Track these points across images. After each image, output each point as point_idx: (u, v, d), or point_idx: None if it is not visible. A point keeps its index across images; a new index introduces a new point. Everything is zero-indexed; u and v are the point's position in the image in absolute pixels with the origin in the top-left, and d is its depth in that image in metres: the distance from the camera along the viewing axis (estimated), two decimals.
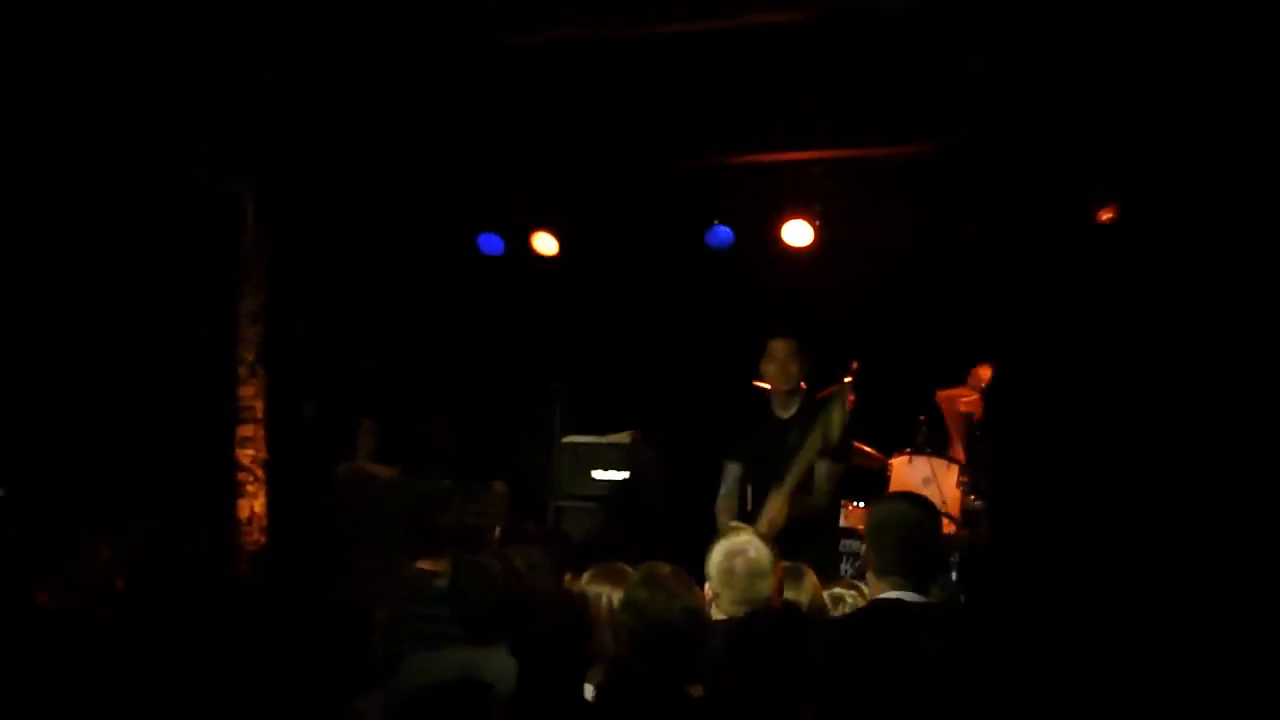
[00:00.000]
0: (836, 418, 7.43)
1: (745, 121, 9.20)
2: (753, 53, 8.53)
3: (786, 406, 7.79)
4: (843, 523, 8.99)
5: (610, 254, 10.49)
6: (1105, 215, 9.35)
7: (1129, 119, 8.68)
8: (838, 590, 6.11)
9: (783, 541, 5.91)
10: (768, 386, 7.82)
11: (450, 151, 9.78)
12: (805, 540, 7.14)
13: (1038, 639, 7.21)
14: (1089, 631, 7.77)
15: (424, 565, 6.10)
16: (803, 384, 7.79)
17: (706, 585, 5.01)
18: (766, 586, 5.04)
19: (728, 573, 5.01)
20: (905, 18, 8.05)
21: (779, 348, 7.69)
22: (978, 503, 9.14)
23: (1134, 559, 8.43)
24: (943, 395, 9.40)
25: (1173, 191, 9.10)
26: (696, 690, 4.32)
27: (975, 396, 9.32)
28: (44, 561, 5.64)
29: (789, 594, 5.38)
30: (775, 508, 7.28)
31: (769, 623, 4.82)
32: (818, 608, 5.52)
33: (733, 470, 7.85)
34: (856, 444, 8.73)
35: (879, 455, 9.18)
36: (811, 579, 5.60)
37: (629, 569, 5.01)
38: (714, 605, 4.95)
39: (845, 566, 8.58)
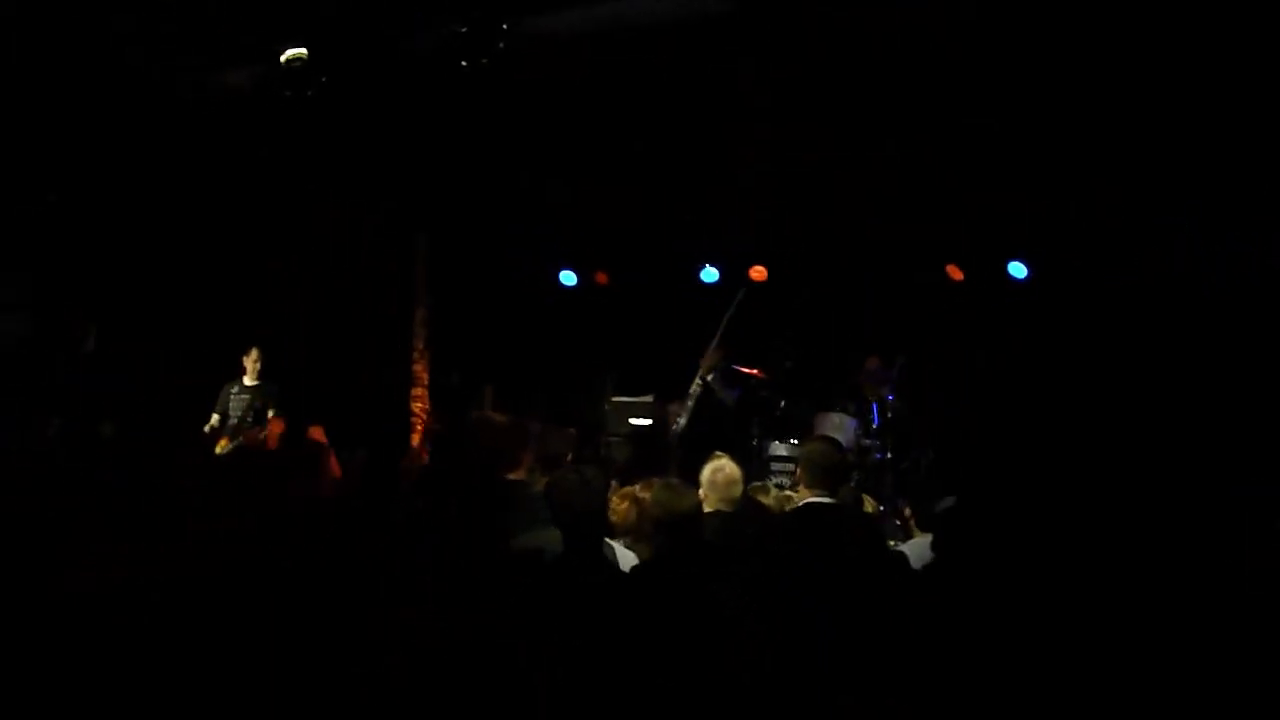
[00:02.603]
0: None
1: (726, 203, 9.55)
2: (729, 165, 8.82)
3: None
4: (782, 453, 9.21)
5: (642, 285, 10.63)
6: (956, 275, 9.61)
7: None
8: (786, 493, 6.38)
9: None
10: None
11: (544, 218, 10.09)
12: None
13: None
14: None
15: (512, 476, 6.35)
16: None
17: (700, 490, 5.30)
18: (737, 490, 5.47)
19: (712, 482, 5.41)
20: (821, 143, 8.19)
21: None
22: (866, 441, 9.18)
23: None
24: (852, 376, 9.37)
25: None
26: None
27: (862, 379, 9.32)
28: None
29: (761, 498, 5.79)
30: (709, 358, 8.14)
31: (746, 515, 5.37)
32: (781, 505, 5.87)
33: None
34: (790, 401, 9.41)
35: (808, 409, 9.36)
36: (775, 490, 6.05)
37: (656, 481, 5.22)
38: (704, 503, 5.22)
39: (781, 479, 8.50)
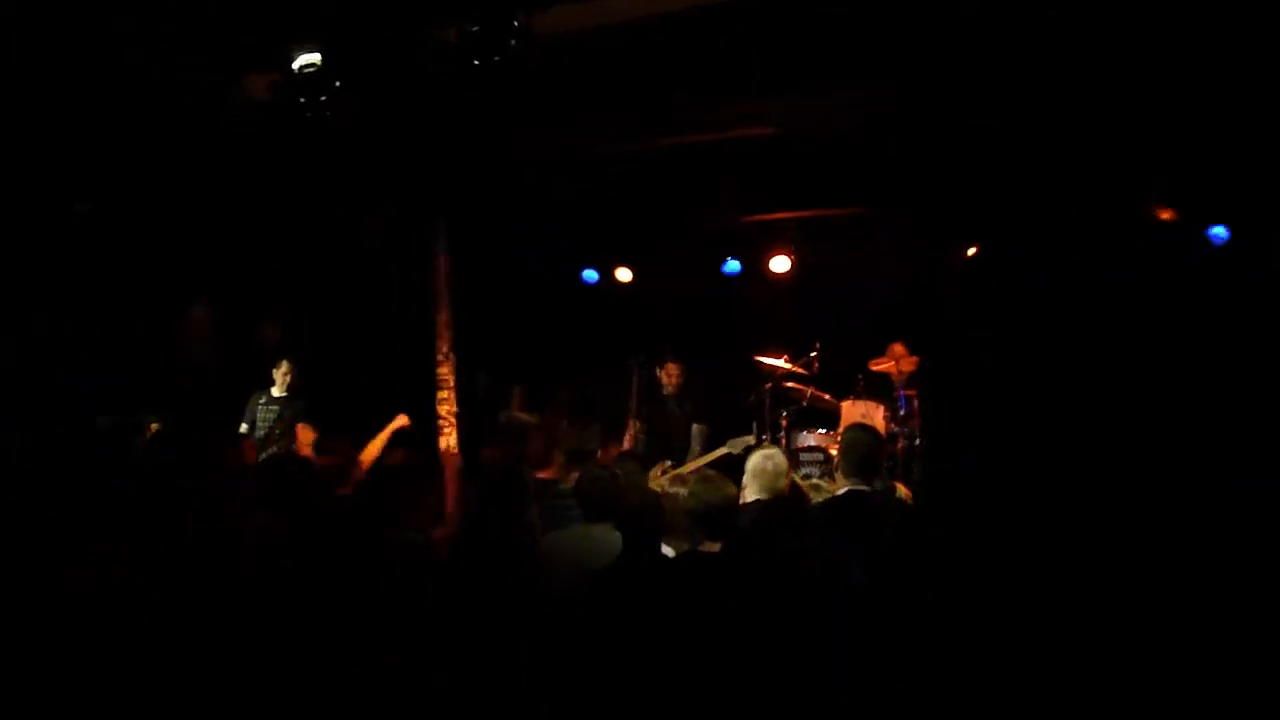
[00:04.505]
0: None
1: (748, 196, 9.43)
2: (750, 154, 8.65)
3: (672, 391, 8.93)
4: (811, 443, 9.31)
5: (664, 280, 10.57)
6: (970, 252, 9.63)
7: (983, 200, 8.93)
8: (813, 482, 6.77)
9: None
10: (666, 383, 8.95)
11: (565, 219, 10.02)
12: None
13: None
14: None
15: (543, 475, 6.38)
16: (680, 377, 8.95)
17: (744, 478, 5.23)
18: (783, 482, 5.34)
19: (761, 471, 5.25)
20: (840, 137, 8.19)
21: (673, 369, 9.02)
22: (895, 428, 9.15)
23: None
24: (872, 363, 9.54)
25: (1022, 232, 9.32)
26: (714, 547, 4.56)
27: (891, 363, 9.37)
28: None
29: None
30: (691, 465, 8.04)
31: (786, 504, 5.26)
32: (805, 496, 5.69)
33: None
34: (816, 391, 9.47)
35: (834, 399, 9.38)
36: (801, 480, 5.84)
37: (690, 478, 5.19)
38: (744, 492, 5.17)
39: (810, 470, 8.77)
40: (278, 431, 8.69)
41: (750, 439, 8.20)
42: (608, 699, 3.82)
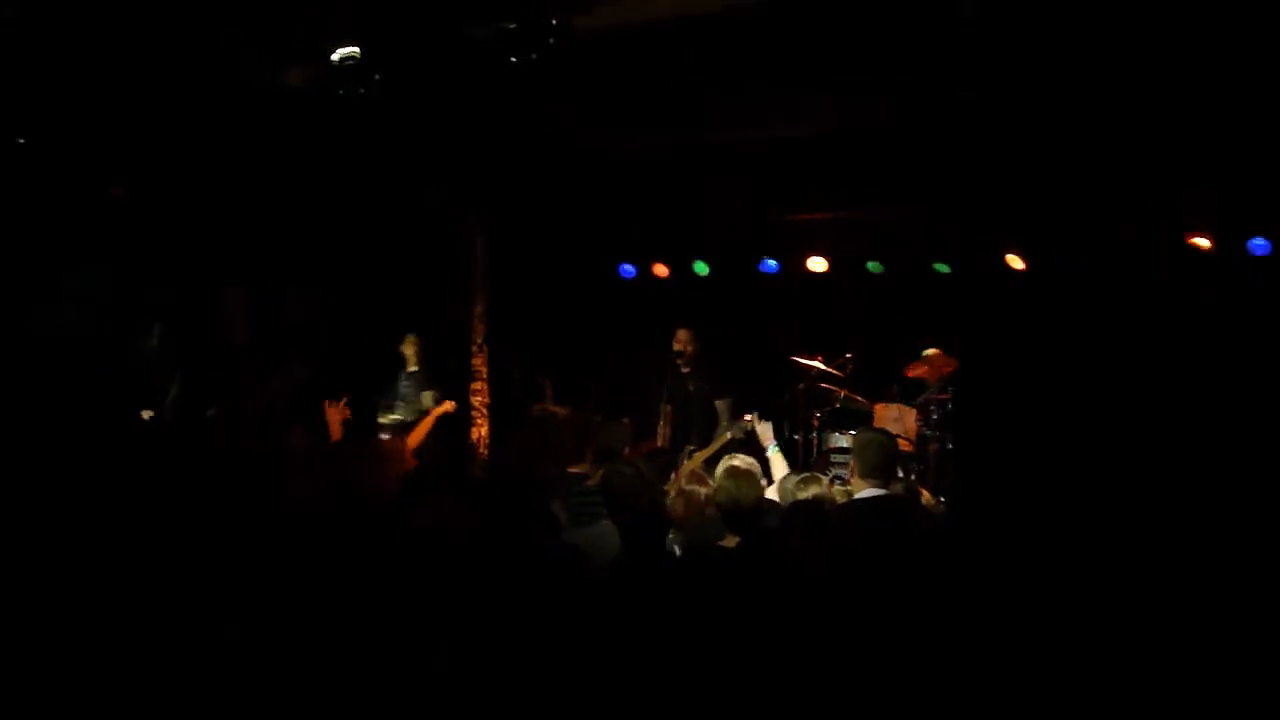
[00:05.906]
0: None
1: (785, 197, 9.56)
2: (786, 158, 8.75)
3: (687, 366, 8.82)
4: (843, 444, 9.07)
5: (699, 276, 10.60)
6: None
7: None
8: (838, 488, 6.80)
9: None
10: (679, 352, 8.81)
11: (604, 217, 10.22)
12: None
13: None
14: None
15: (574, 469, 6.35)
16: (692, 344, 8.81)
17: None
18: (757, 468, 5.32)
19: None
20: (874, 136, 8.29)
21: (682, 334, 8.85)
22: (927, 432, 9.03)
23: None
24: (908, 369, 9.28)
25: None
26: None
27: (925, 368, 9.20)
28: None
29: (811, 490, 5.47)
30: (703, 454, 7.81)
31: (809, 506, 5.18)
32: (830, 498, 5.62)
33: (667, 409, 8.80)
34: (849, 393, 9.33)
35: (868, 401, 9.33)
36: (824, 481, 5.70)
37: (708, 476, 5.26)
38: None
39: (841, 472, 8.43)
40: (409, 404, 9.25)
41: (748, 419, 8.22)
42: (619, 694, 3.77)
